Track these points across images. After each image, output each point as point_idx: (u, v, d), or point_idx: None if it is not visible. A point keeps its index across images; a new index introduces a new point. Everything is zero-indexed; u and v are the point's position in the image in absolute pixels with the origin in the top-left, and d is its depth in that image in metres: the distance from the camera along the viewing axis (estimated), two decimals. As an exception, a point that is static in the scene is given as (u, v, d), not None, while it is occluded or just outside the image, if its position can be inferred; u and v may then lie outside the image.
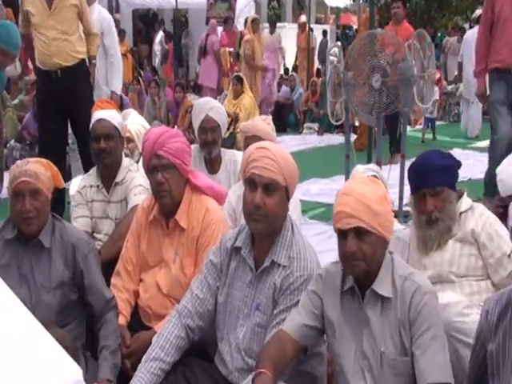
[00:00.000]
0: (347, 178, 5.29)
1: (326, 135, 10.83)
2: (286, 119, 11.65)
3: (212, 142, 3.80)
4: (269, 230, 2.28)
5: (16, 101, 8.94)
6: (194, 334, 2.38)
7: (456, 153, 6.86)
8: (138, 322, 2.82)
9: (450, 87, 12.88)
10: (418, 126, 10.98)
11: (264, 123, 3.61)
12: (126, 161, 3.50)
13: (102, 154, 3.35)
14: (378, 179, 3.06)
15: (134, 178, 3.38)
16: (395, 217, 3.75)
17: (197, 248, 2.73)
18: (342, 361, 2.12)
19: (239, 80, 9.01)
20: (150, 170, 2.75)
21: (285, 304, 2.24)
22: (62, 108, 5.22)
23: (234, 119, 7.85)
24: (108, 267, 3.03)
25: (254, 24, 11.13)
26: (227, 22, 12.70)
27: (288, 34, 16.06)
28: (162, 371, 2.27)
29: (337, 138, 10.24)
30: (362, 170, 3.20)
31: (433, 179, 2.62)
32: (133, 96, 10.63)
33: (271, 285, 2.28)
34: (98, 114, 3.46)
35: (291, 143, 9.76)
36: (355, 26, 21.20)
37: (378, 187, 2.09)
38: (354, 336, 2.10)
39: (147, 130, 3.01)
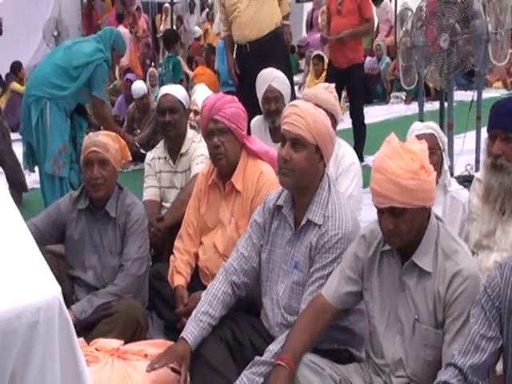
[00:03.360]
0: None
1: (413, 103, 10.50)
2: (372, 90, 11.41)
3: (275, 111, 3.84)
4: (296, 185, 2.32)
5: (111, 85, 9.44)
6: (240, 291, 2.48)
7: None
8: (199, 283, 2.96)
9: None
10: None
11: (326, 91, 3.45)
12: (190, 132, 3.66)
13: (167, 126, 3.53)
14: (435, 137, 3.00)
15: (197, 149, 3.53)
16: (468, 181, 3.58)
17: (251, 209, 2.82)
18: (376, 322, 2.12)
19: (320, 59, 8.91)
20: (207, 134, 2.88)
21: (320, 262, 2.28)
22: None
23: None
24: (172, 232, 3.22)
25: None
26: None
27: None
28: (209, 325, 2.38)
29: (425, 106, 9.93)
30: (419, 126, 3.05)
31: (508, 122, 2.36)
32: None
33: (308, 243, 2.33)
34: (163, 89, 3.65)
35: (377, 113, 9.59)
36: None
37: (413, 158, 1.94)
38: (390, 298, 2.08)
39: (206, 97, 3.12)
